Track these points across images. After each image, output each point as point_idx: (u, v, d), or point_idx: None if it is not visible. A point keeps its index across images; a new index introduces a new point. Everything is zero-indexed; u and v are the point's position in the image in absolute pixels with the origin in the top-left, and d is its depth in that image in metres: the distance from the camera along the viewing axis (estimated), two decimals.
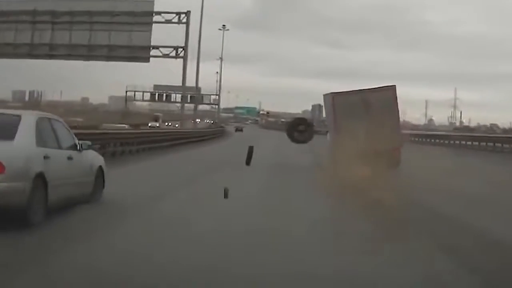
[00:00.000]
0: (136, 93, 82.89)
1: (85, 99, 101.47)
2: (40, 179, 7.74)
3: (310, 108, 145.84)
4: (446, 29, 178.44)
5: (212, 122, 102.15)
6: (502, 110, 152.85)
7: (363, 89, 21.26)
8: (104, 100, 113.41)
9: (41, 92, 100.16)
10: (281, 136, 32.78)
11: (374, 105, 20.14)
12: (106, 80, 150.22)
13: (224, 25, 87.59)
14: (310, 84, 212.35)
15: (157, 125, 53.35)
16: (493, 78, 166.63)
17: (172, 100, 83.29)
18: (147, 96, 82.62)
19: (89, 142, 9.94)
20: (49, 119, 9.04)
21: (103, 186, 10.22)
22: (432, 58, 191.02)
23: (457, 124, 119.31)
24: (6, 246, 6.49)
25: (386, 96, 20.70)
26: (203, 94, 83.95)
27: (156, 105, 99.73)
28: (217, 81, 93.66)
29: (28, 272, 5.50)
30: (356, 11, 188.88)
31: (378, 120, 19.11)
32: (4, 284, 5.11)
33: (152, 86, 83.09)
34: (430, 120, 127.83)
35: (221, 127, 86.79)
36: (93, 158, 10.17)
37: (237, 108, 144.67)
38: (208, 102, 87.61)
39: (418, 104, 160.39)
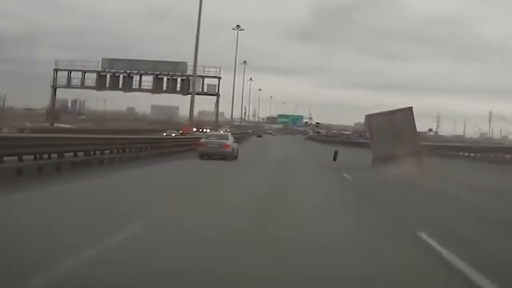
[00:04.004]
0: (73, 73, 51.82)
1: (130, 109, 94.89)
2: (234, 149, 31.31)
3: (363, 120, 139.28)
4: (502, 43, 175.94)
5: (226, 130, 67.03)
6: None
7: (390, 110, 28.19)
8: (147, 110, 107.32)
9: (84, 102, 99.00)
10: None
11: (397, 122, 26.70)
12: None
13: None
14: (363, 96, 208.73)
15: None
16: None
17: (134, 85, 52.39)
18: (92, 79, 50.93)
19: (235, 140, 33.56)
20: (231, 132, 33.15)
21: (237, 154, 33.31)
22: (491, 71, 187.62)
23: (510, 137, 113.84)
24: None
25: (406, 115, 27.20)
26: (188, 76, 50.32)
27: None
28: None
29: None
30: (412, 24, 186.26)
31: (401, 133, 26.25)
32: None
33: (100, 60, 51.23)
34: (483, 134, 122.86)
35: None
36: (235, 144, 33.44)
37: (280, 116, 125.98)
38: (201, 91, 54.18)
39: (477, 117, 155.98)
